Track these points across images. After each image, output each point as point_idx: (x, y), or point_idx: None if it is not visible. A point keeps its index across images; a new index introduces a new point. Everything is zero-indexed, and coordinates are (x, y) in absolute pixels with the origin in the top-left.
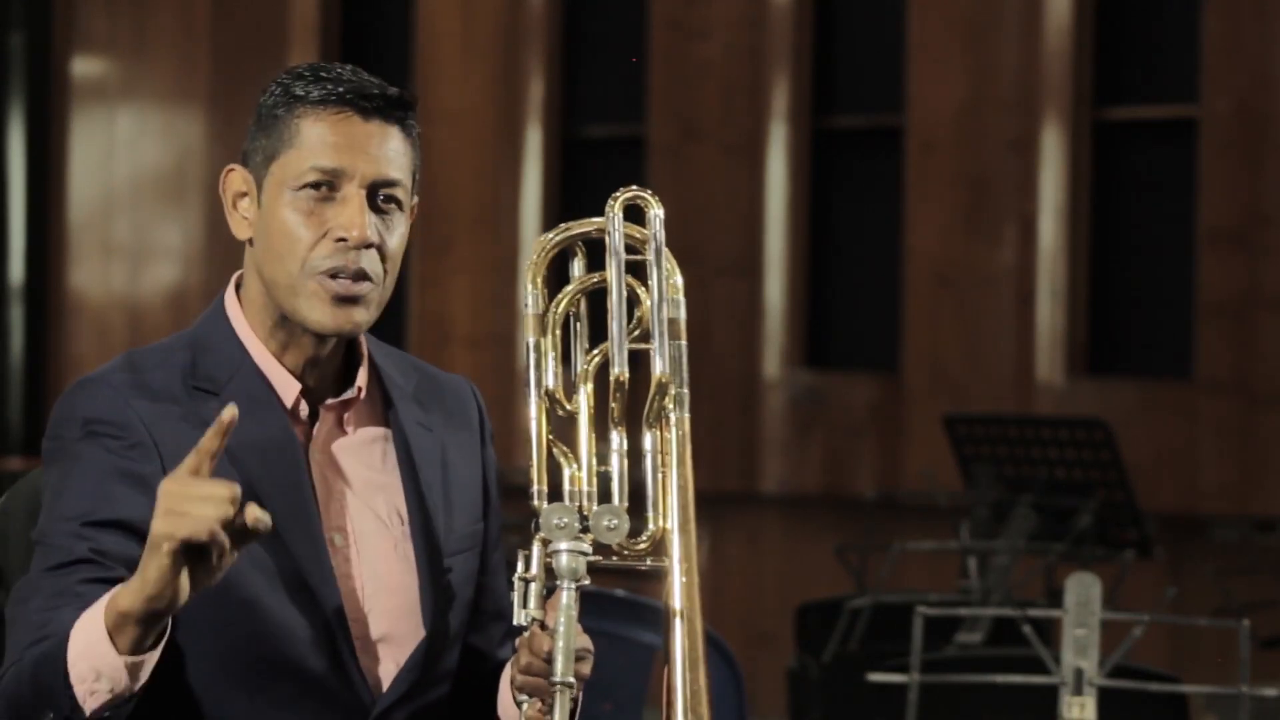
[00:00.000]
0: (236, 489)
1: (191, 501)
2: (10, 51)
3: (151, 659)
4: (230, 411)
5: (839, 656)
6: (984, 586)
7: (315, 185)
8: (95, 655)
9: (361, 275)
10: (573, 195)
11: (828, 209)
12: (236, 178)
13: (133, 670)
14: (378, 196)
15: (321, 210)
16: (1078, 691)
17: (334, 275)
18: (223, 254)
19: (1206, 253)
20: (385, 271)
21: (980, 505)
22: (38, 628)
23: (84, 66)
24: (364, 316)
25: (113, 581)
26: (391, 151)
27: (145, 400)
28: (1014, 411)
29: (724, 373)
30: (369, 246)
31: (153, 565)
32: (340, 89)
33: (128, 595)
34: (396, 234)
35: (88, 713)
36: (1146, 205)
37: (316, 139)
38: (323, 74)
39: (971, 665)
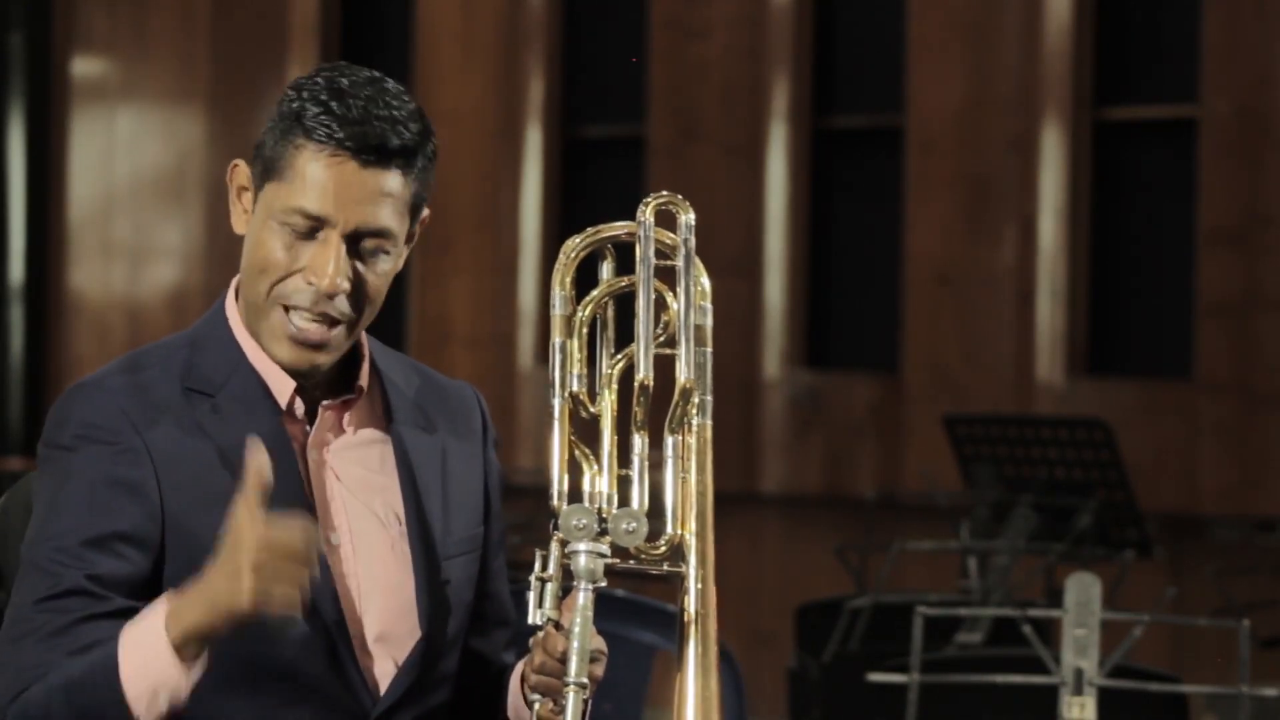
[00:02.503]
0: (311, 530)
1: (280, 572)
2: (10, 51)
3: (203, 663)
4: (259, 457)
5: (839, 656)
6: (984, 586)
7: (297, 227)
8: (155, 672)
9: (329, 320)
10: (573, 195)
11: (828, 209)
12: (242, 173)
13: (190, 678)
14: (361, 242)
15: (300, 246)
16: (1078, 691)
17: (296, 309)
18: (223, 254)
19: (1206, 253)
20: (360, 309)
21: (980, 505)
22: (33, 666)
23: (84, 66)
24: (326, 359)
25: (109, 615)
26: (384, 198)
27: (139, 404)
28: (1014, 411)
29: (724, 373)
30: (337, 295)
31: (233, 606)
32: (341, 134)
33: (196, 616)
34: (379, 271)
35: None
36: (1146, 205)
37: (308, 178)
38: (334, 105)
39: (971, 665)
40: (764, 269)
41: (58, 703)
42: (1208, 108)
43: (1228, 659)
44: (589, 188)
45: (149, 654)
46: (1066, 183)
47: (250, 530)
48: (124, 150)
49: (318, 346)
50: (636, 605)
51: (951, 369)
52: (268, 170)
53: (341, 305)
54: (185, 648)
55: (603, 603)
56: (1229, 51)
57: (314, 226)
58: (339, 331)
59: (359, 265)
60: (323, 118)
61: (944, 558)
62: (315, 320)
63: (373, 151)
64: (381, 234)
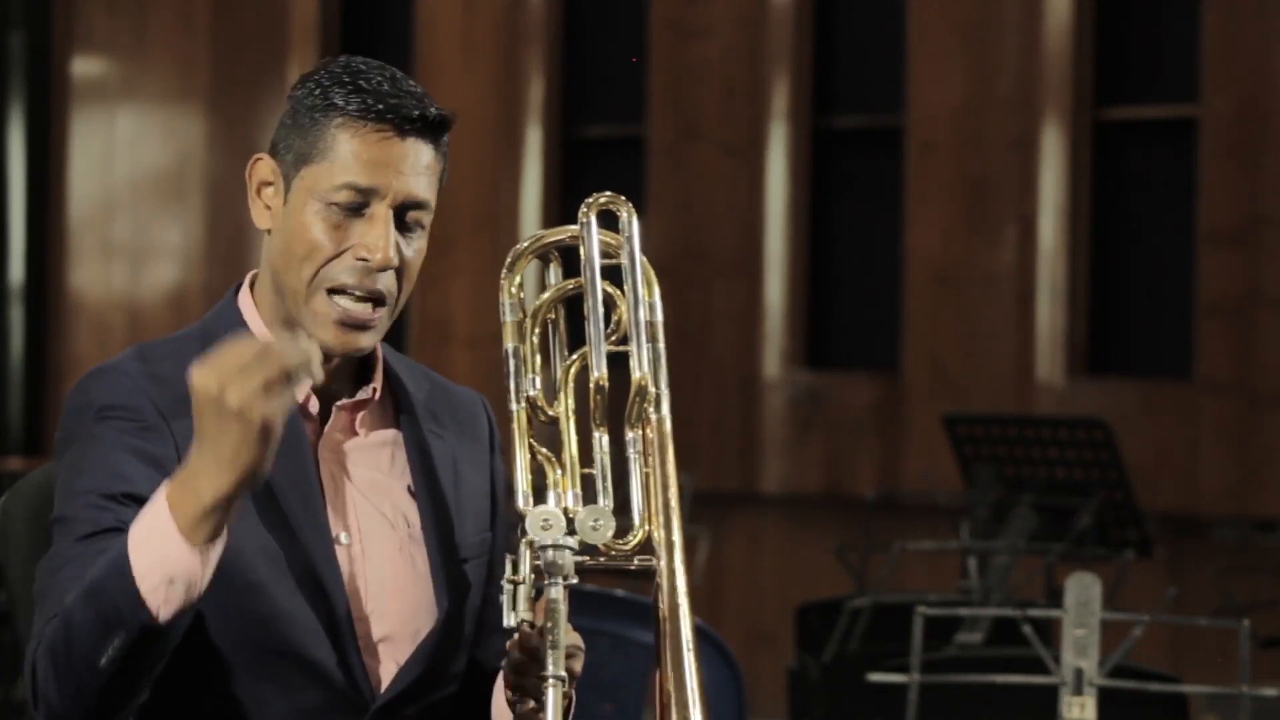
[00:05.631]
0: (266, 344)
1: (249, 382)
2: (10, 51)
3: (220, 545)
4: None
5: (839, 656)
6: (984, 586)
7: (346, 204)
8: (168, 561)
9: (378, 299)
10: (573, 195)
11: (828, 209)
12: (264, 166)
13: (205, 562)
14: (404, 215)
15: (347, 225)
16: (1078, 691)
17: (344, 292)
18: (223, 254)
19: (1206, 253)
20: (400, 290)
21: (980, 505)
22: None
23: (84, 66)
24: (369, 341)
25: None
26: (423, 170)
27: (158, 388)
28: (1014, 411)
29: (724, 373)
30: (387, 270)
31: (244, 449)
32: (380, 106)
33: (208, 485)
34: (414, 249)
35: (164, 620)
36: (1146, 205)
37: (352, 154)
38: (362, 83)
39: (971, 665)
40: (764, 269)
41: (78, 608)
42: (1208, 108)
43: (1228, 659)
44: (589, 188)
45: (159, 545)
46: (1066, 183)
47: (210, 377)
48: (124, 150)
49: (362, 327)
50: (636, 605)
51: (951, 369)
52: (302, 157)
53: (389, 281)
54: (196, 530)
55: (603, 603)
56: (1229, 51)
57: (362, 202)
58: (382, 313)
59: (400, 241)
60: (354, 96)
61: (944, 558)
62: (362, 300)
63: (414, 121)
64: (423, 206)
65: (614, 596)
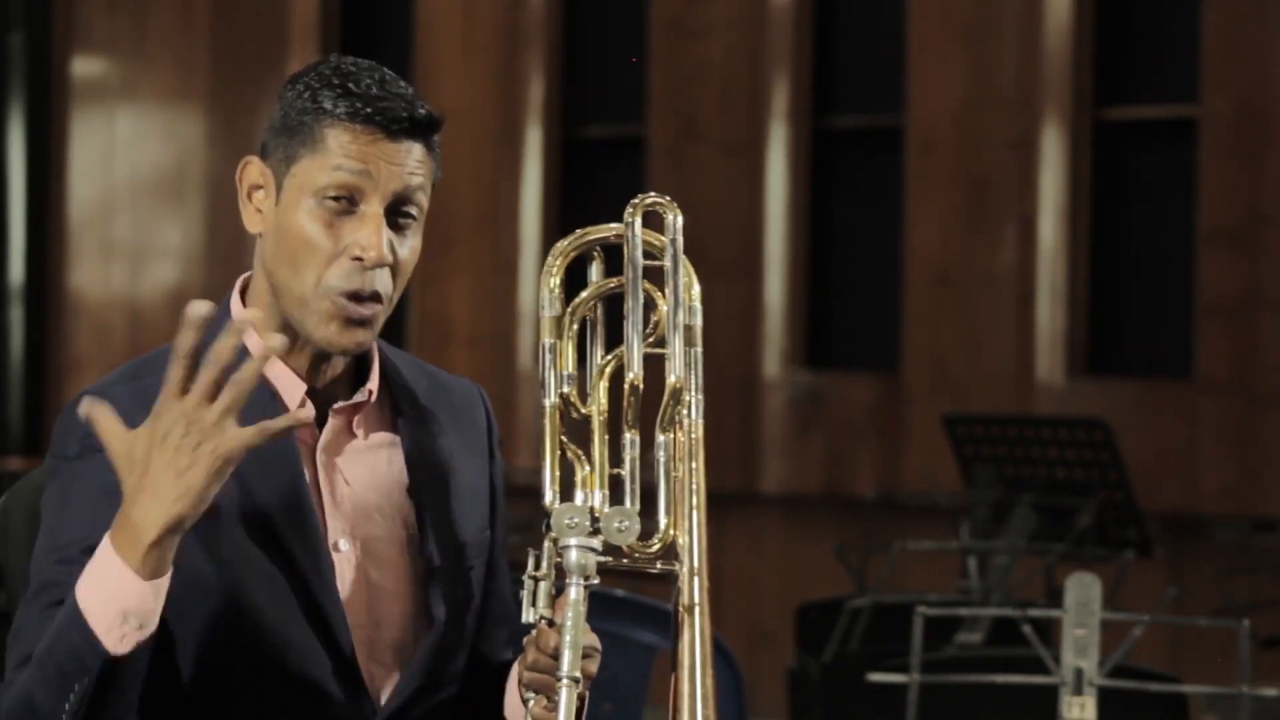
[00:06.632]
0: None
1: (203, 444)
2: (10, 51)
3: (167, 578)
4: (198, 310)
5: (839, 656)
6: (984, 586)
7: (336, 198)
8: (120, 596)
9: (374, 297)
10: (573, 195)
11: (828, 209)
12: (254, 169)
13: (156, 594)
14: (397, 212)
15: (340, 224)
16: (1078, 691)
17: (349, 297)
18: (223, 254)
19: (1206, 253)
20: (395, 287)
21: (980, 505)
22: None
23: (84, 66)
24: (367, 337)
25: None
26: (414, 165)
27: (144, 413)
28: (1014, 411)
29: (724, 373)
30: (383, 267)
31: (197, 481)
32: (369, 109)
33: (152, 524)
34: (408, 246)
35: (123, 653)
36: (1146, 205)
37: (342, 149)
38: (351, 86)
39: (971, 665)
40: (764, 269)
41: (34, 678)
42: (1208, 108)
43: (1228, 659)
44: (589, 188)
45: (109, 585)
46: (1066, 183)
47: (161, 422)
48: (124, 150)
49: (364, 323)
50: (636, 605)
51: (951, 369)
52: (292, 157)
53: (385, 279)
54: (144, 565)
55: (603, 603)
56: (1229, 51)
57: (354, 197)
58: (380, 308)
59: (394, 239)
60: (343, 100)
61: (944, 558)
62: (363, 300)
63: (400, 122)
64: (413, 202)
65: (614, 596)
